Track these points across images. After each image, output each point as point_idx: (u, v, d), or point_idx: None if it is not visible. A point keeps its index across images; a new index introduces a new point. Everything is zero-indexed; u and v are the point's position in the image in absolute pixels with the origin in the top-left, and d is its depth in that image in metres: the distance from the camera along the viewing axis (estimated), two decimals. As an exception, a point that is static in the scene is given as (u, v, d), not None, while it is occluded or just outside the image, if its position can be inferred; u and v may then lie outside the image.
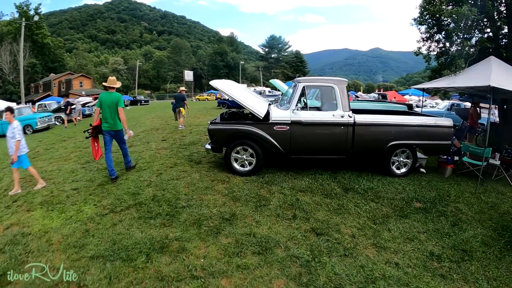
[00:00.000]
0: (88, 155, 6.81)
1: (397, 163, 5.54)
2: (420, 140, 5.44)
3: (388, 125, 5.30)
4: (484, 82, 5.21)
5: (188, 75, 50.46)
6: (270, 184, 4.86)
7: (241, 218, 3.77)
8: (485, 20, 6.86)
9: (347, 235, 3.43)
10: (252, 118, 5.77)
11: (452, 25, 8.05)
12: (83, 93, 40.84)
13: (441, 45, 8.63)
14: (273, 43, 77.65)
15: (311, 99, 6.22)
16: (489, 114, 5.52)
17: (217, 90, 5.17)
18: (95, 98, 28.41)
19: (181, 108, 10.61)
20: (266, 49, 79.22)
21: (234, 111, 6.59)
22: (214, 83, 5.22)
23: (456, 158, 6.30)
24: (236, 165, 5.24)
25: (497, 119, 8.59)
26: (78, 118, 16.33)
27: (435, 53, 8.97)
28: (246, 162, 5.23)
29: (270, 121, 5.01)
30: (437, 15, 8.07)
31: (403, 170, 5.59)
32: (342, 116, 5.13)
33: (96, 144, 5.10)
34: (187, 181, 4.89)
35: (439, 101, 23.95)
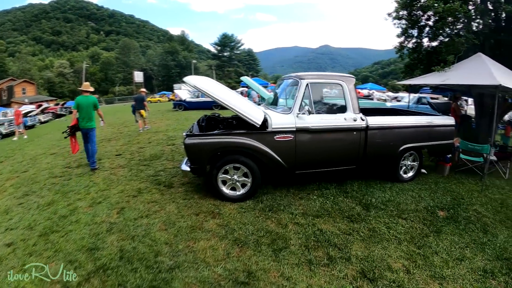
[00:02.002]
0: (29, 181, 5.47)
1: (404, 167, 5.16)
2: (428, 142, 5.12)
3: (400, 128, 4.80)
4: (491, 81, 5.07)
5: (138, 76, 47.66)
6: (276, 211, 3.86)
7: (263, 277, 2.65)
8: (473, 17, 6.79)
9: (401, 272, 2.81)
10: (239, 125, 4.85)
11: (430, 20, 8.09)
12: (26, 100, 37.33)
13: (414, 40, 8.70)
14: (226, 42, 76.70)
15: (287, 98, 5.36)
16: (496, 110, 5.36)
17: (195, 88, 4.16)
18: (39, 106, 25.19)
19: (141, 111, 10.48)
20: (219, 48, 77.97)
21: (210, 116, 5.50)
22: (190, 80, 4.06)
23: (449, 155, 6.18)
24: (225, 189, 4.14)
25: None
26: (19, 130, 13.31)
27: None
28: (238, 184, 4.14)
29: (270, 130, 4.03)
30: (413, 11, 8.03)
31: (410, 174, 5.26)
32: (355, 120, 4.39)
33: (74, 140, 5.87)
34: (163, 219, 3.64)
35: (402, 94, 24.88)
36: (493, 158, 5.76)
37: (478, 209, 4.28)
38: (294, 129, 4.09)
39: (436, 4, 6.28)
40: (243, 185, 4.17)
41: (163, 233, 3.33)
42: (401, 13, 8.18)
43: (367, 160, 4.60)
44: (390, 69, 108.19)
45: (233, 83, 60.12)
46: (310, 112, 4.02)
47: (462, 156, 5.97)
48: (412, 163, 5.19)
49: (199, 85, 3.96)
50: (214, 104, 19.68)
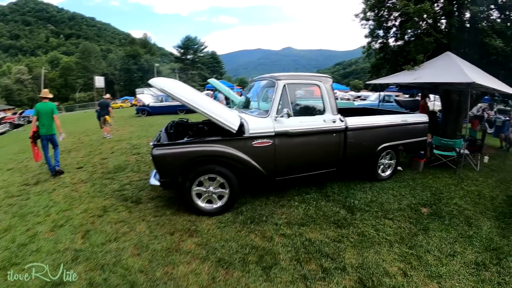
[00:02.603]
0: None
1: (382, 166, 5.18)
2: (404, 139, 5.21)
3: (377, 127, 4.80)
4: (464, 78, 5.20)
5: (99, 81, 45.19)
6: (258, 223, 3.58)
7: (258, 300, 2.36)
8: (439, 17, 7.07)
9: (398, 276, 2.73)
10: (211, 130, 4.59)
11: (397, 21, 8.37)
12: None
13: (380, 40, 8.99)
14: (189, 44, 75.20)
15: (259, 100, 5.18)
16: (469, 107, 5.64)
17: (162, 92, 3.73)
18: None
19: (106, 116, 10.38)
20: (182, 50, 76.20)
21: (178, 122, 5.11)
22: (157, 82, 3.64)
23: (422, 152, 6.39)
24: (200, 203, 3.78)
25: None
26: None
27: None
28: (214, 196, 3.81)
29: (247, 135, 3.74)
30: (381, 13, 8.28)
31: (388, 172, 5.32)
32: (334, 121, 4.29)
33: (35, 148, 5.86)
34: (134, 242, 3.21)
35: (366, 93, 25.73)
36: (466, 152, 5.98)
37: (458, 202, 4.42)
38: (273, 134, 3.85)
39: (407, 7, 6.42)
40: (220, 197, 3.84)
41: (136, 259, 2.91)
42: (368, 14, 8.39)
43: (347, 161, 4.52)
44: (351, 69, 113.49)
45: (198, 87, 59.30)
46: (289, 115, 3.77)
47: (435, 151, 6.15)
48: (389, 162, 5.23)
49: (167, 87, 3.55)
50: (179, 108, 19.01)
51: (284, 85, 4.04)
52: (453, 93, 8.02)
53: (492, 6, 6.85)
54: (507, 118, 9.45)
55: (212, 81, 13.05)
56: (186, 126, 5.04)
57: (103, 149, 8.10)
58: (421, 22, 6.85)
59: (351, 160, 4.56)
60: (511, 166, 7.12)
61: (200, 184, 3.74)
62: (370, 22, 8.69)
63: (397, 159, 5.28)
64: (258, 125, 3.82)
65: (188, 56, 75.69)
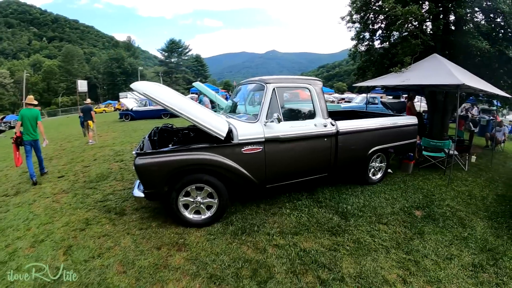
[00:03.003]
0: None
1: (373, 169, 5.15)
2: (395, 142, 5.18)
3: (369, 130, 4.74)
4: (454, 80, 5.28)
5: (82, 86, 43.97)
6: (250, 234, 3.43)
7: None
8: (428, 20, 7.18)
9: (398, 283, 2.68)
10: (197, 136, 4.42)
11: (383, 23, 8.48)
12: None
13: (366, 43, 9.09)
14: (173, 47, 74.62)
15: (247, 104, 5.06)
16: (457, 108, 5.71)
17: (145, 96, 3.48)
18: None
19: (89, 122, 10.18)
20: (166, 54, 75.62)
21: (162, 127, 4.87)
22: (139, 87, 3.43)
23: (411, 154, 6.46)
24: (188, 214, 3.57)
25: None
26: None
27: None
28: (203, 206, 3.61)
29: (236, 142, 3.56)
30: (367, 15, 8.36)
31: (379, 175, 5.30)
32: (325, 125, 4.18)
33: (17, 153, 5.87)
34: (119, 258, 2.99)
35: (350, 95, 26.06)
36: (455, 152, 6.05)
37: (451, 203, 4.47)
38: (263, 140, 3.68)
39: (395, 9, 6.47)
40: (209, 207, 3.65)
41: (122, 277, 2.71)
42: (354, 17, 8.46)
43: (339, 166, 4.44)
44: (335, 72, 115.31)
45: (182, 90, 58.75)
46: (280, 120, 3.61)
47: (424, 153, 6.19)
48: (379, 165, 5.21)
49: (150, 92, 3.35)
50: (163, 113, 18.64)
51: (274, 89, 3.89)
52: (439, 94, 8.16)
53: (477, 9, 7.01)
54: (492, 118, 9.68)
55: (197, 84, 12.67)
56: (171, 132, 4.81)
57: (85, 156, 7.78)
58: (408, 25, 6.92)
59: (343, 164, 4.49)
60: (497, 164, 7.30)
61: (187, 194, 3.53)
62: (356, 24, 8.78)
63: (387, 162, 5.26)
64: (247, 130, 3.65)
65: (172, 59, 75.21)
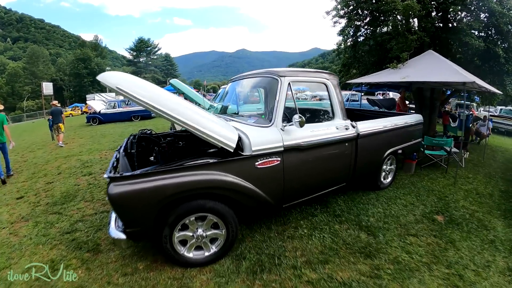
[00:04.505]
0: None
1: (384, 172, 4.57)
2: (406, 143, 4.65)
3: (385, 132, 4.11)
4: (462, 78, 4.90)
5: (47, 88, 40.29)
6: (271, 270, 2.59)
7: None
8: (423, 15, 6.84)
9: None
10: (187, 145, 3.47)
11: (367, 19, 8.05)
12: None
13: (351, 39, 8.67)
14: (142, 46, 71.11)
15: (239, 103, 4.29)
16: (464, 107, 5.33)
17: (119, 92, 2.29)
18: None
19: (60, 124, 9.92)
20: (134, 53, 71.92)
21: (140, 135, 3.71)
22: (108, 78, 2.37)
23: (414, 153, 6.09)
24: (186, 253, 2.61)
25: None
26: None
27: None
28: (206, 240, 2.65)
29: (248, 154, 2.63)
30: (356, 9, 7.87)
31: (389, 179, 4.73)
32: (347, 128, 3.47)
33: None
34: None
35: (323, 92, 26.01)
36: (455, 150, 5.71)
37: (465, 204, 4.20)
38: (282, 149, 2.82)
39: (394, 3, 6.04)
40: (213, 240, 2.72)
41: None
42: (342, 11, 7.95)
43: (357, 173, 3.78)
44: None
45: (152, 91, 56.32)
46: (303, 123, 2.74)
47: (426, 151, 5.78)
48: (390, 167, 4.65)
49: (125, 86, 2.30)
50: (133, 115, 17.16)
51: (289, 84, 3.04)
52: (426, 91, 7.88)
53: (470, 7, 6.76)
54: (471, 113, 9.67)
55: (175, 81, 11.10)
56: (151, 140, 3.72)
57: (48, 169, 6.55)
58: (403, 21, 6.52)
59: (361, 171, 3.84)
60: (488, 159, 7.16)
61: (185, 227, 2.55)
62: (342, 20, 8.29)
63: (397, 164, 4.73)
64: (262, 138, 2.74)
65: (141, 59, 72.00)
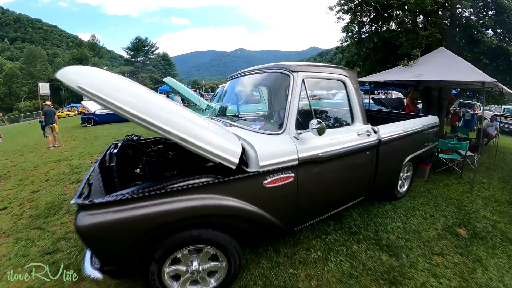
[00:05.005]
0: None
1: (401, 180, 4.13)
2: (424, 147, 4.22)
3: (406, 136, 3.62)
4: (482, 78, 4.54)
5: (44, 88, 39.36)
6: None
7: None
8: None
9: None
10: (180, 155, 2.86)
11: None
12: None
13: (355, 35, 8.29)
14: (139, 46, 69.99)
15: (239, 104, 3.84)
16: (483, 108, 4.95)
17: (85, 95, 1.61)
18: None
19: (55, 125, 9.68)
20: (132, 53, 70.73)
21: (125, 142, 3.06)
22: (68, 75, 1.67)
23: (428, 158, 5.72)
24: None
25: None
26: None
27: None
28: (203, 274, 2.16)
29: (254, 171, 2.09)
30: (362, 5, 7.47)
31: (405, 187, 4.29)
32: (368, 134, 2.97)
33: None
34: None
35: (320, 92, 25.59)
36: (470, 154, 5.31)
37: (486, 215, 3.84)
38: (296, 163, 2.28)
39: None
40: (211, 274, 2.24)
41: None
42: (346, 7, 7.54)
43: (377, 184, 3.32)
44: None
45: (149, 90, 55.68)
46: (323, 129, 2.18)
47: (441, 155, 5.37)
48: (407, 174, 4.23)
49: (88, 85, 1.65)
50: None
51: (303, 80, 2.51)
52: (434, 90, 7.49)
53: (481, 3, 6.38)
54: (476, 112, 9.31)
55: (169, 80, 10.21)
56: (138, 148, 3.06)
57: (36, 175, 6.09)
58: (411, 16, 6.11)
59: (381, 182, 3.40)
60: (499, 161, 6.80)
61: (176, 260, 2.06)
62: (347, 16, 7.88)
63: (414, 170, 4.31)
64: (272, 149, 2.19)
65: (139, 58, 71.10)
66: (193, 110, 8.93)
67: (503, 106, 13.17)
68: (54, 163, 7.02)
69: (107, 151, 2.78)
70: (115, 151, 2.69)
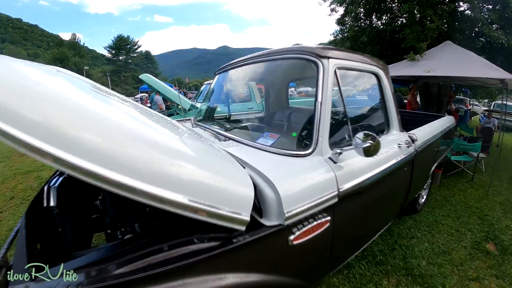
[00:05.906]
0: None
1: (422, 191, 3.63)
2: (445, 152, 3.79)
3: (435, 141, 3.04)
4: (499, 74, 4.25)
5: None
6: None
7: None
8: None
9: None
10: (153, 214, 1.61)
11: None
12: None
13: (349, 29, 7.90)
14: (121, 44, 67.55)
15: (230, 103, 3.15)
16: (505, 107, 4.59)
17: None
18: None
19: None
20: (113, 51, 68.36)
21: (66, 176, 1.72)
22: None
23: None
24: None
25: None
26: None
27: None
28: None
29: (275, 224, 1.22)
30: None
31: (424, 198, 3.79)
32: (408, 145, 2.25)
33: None
34: None
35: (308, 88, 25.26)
36: (483, 155, 4.96)
37: (508, 224, 3.50)
38: (336, 200, 1.48)
39: None
40: None
41: None
42: None
43: (408, 201, 2.77)
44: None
45: (131, 89, 53.96)
46: (376, 147, 1.42)
47: (453, 158, 4.97)
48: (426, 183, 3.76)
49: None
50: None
51: (335, 71, 1.69)
52: (433, 86, 7.15)
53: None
54: (468, 108, 9.10)
55: (146, 76, 8.08)
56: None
57: (2, 191, 5.30)
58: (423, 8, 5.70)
59: (411, 198, 2.85)
60: (503, 160, 6.51)
61: None
62: (341, 8, 7.43)
63: (433, 178, 3.83)
64: (300, 184, 1.36)
65: (120, 57, 68.87)
66: (175, 111, 7.89)
67: (494, 102, 13.12)
68: (23, 176, 6.19)
69: (45, 185, 1.65)
70: (56, 185, 1.58)
